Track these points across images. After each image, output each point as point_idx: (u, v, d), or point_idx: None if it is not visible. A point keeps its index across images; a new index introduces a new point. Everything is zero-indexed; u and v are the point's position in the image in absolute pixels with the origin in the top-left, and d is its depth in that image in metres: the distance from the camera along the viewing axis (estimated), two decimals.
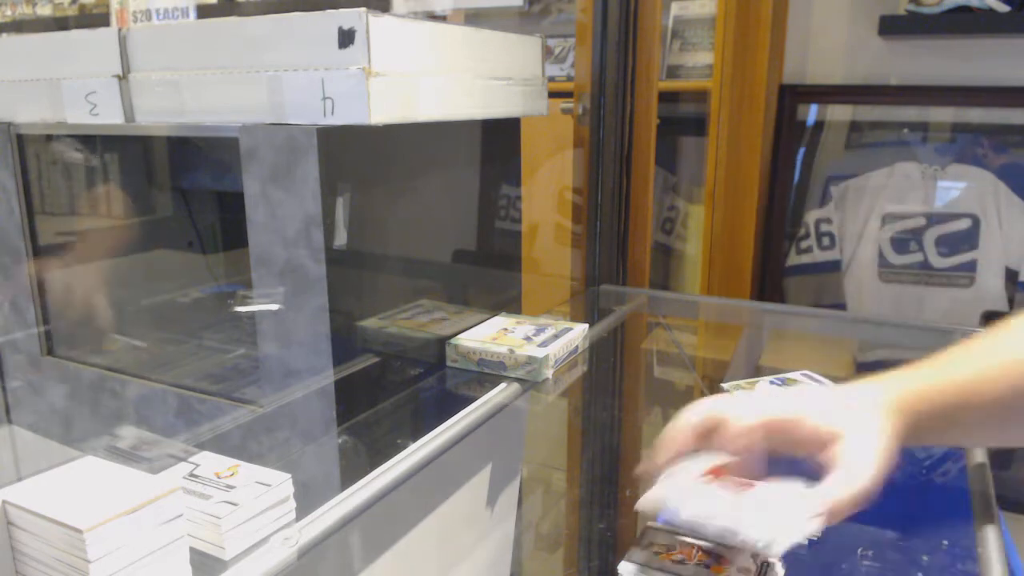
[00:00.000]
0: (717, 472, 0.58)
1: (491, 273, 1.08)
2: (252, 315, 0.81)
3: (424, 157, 0.89)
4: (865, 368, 1.18)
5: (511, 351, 0.88)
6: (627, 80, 1.33)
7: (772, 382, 0.99)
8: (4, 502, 0.49)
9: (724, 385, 1.00)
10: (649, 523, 0.71)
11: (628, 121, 1.35)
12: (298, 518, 0.59)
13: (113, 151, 1.11)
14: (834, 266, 1.64)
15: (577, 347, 0.97)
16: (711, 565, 0.65)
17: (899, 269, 1.60)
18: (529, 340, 0.92)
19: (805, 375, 1.01)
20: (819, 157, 1.69)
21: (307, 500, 0.60)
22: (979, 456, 0.79)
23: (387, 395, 0.86)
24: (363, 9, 0.71)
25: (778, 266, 1.70)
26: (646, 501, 0.57)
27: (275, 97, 0.76)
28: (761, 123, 1.54)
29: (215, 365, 1.02)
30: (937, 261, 1.57)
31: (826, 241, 1.65)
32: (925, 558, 0.75)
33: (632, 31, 1.31)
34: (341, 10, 0.72)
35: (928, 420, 0.58)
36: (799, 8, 1.66)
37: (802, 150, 1.70)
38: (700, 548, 0.67)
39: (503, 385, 0.86)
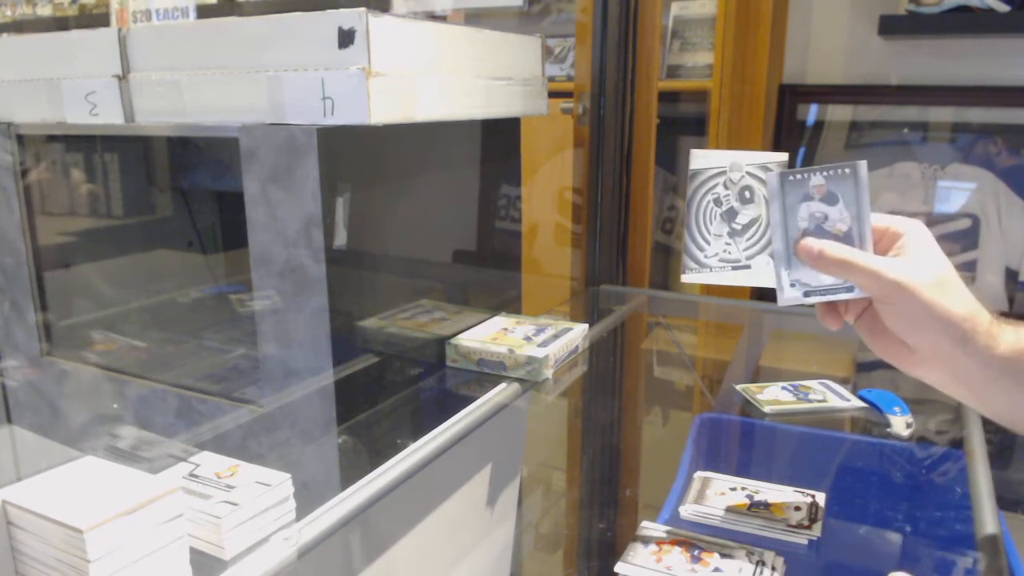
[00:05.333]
0: None
1: (491, 273, 1.08)
2: (252, 315, 0.81)
3: (424, 157, 0.90)
4: (865, 368, 1.19)
5: (511, 351, 0.88)
6: (627, 80, 1.33)
7: (784, 388, 0.99)
8: (4, 502, 0.49)
9: (737, 387, 1.00)
10: (645, 523, 0.71)
11: (628, 121, 1.35)
12: (298, 518, 0.59)
13: (113, 151, 1.11)
14: None
15: (577, 347, 0.97)
16: (704, 562, 0.65)
17: None
18: (529, 340, 0.92)
19: (822, 383, 1.01)
20: (819, 157, 1.69)
21: (307, 500, 0.60)
22: (979, 457, 0.79)
23: (387, 395, 0.86)
24: (363, 9, 0.71)
25: None
26: None
27: (275, 97, 0.76)
28: (761, 123, 1.54)
29: (215, 365, 1.02)
30: None
31: None
32: (925, 558, 0.75)
33: (632, 31, 1.31)
34: (341, 10, 0.72)
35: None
36: (799, 8, 1.66)
37: (802, 150, 1.70)
38: (695, 546, 0.67)
39: (503, 385, 0.86)
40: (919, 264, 0.57)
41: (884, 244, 0.60)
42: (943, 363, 0.58)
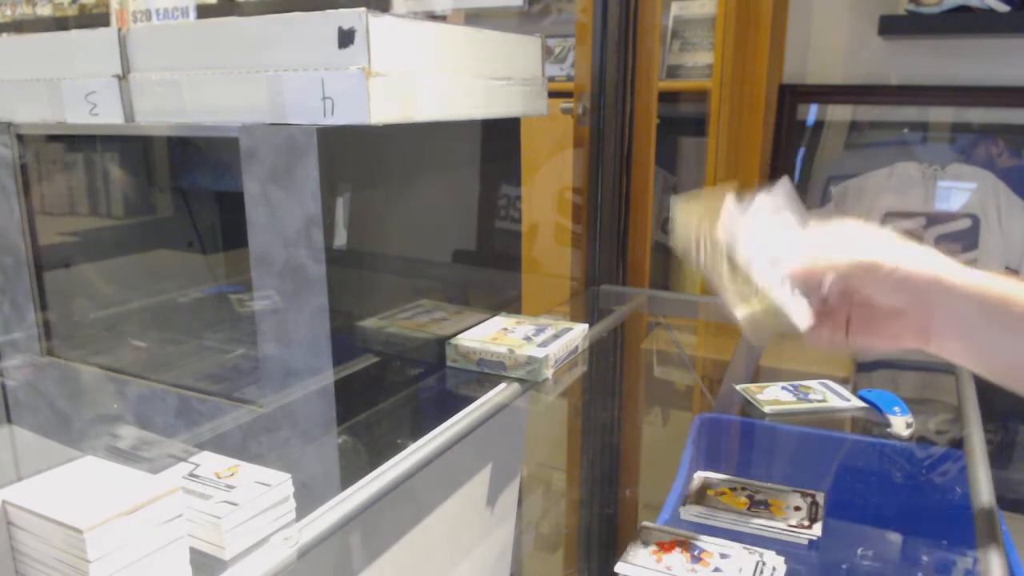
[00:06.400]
0: None
1: (491, 273, 1.08)
2: (252, 315, 0.81)
3: (424, 157, 0.90)
4: (865, 368, 1.19)
5: (511, 351, 0.88)
6: (627, 80, 1.33)
7: (784, 388, 0.99)
8: (4, 502, 0.49)
9: (737, 387, 1.00)
10: (645, 523, 0.71)
11: (628, 121, 1.35)
12: (298, 518, 0.59)
13: (113, 151, 1.11)
14: None
15: (577, 347, 0.97)
16: (703, 561, 0.65)
17: None
18: (529, 340, 0.92)
19: (822, 383, 1.01)
20: (819, 157, 1.69)
21: (307, 500, 0.60)
22: (979, 456, 0.79)
23: (387, 395, 0.86)
24: (363, 9, 0.71)
25: None
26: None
27: (275, 97, 0.76)
28: (761, 123, 1.54)
29: (215, 365, 1.02)
30: None
31: None
32: (925, 558, 0.75)
33: (632, 31, 1.31)
34: (341, 10, 0.72)
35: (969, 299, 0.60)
36: (799, 8, 1.66)
37: (802, 150, 1.70)
38: (695, 546, 0.67)
39: (503, 385, 0.86)
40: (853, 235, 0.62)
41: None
42: (939, 315, 0.61)
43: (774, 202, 0.68)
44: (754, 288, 0.66)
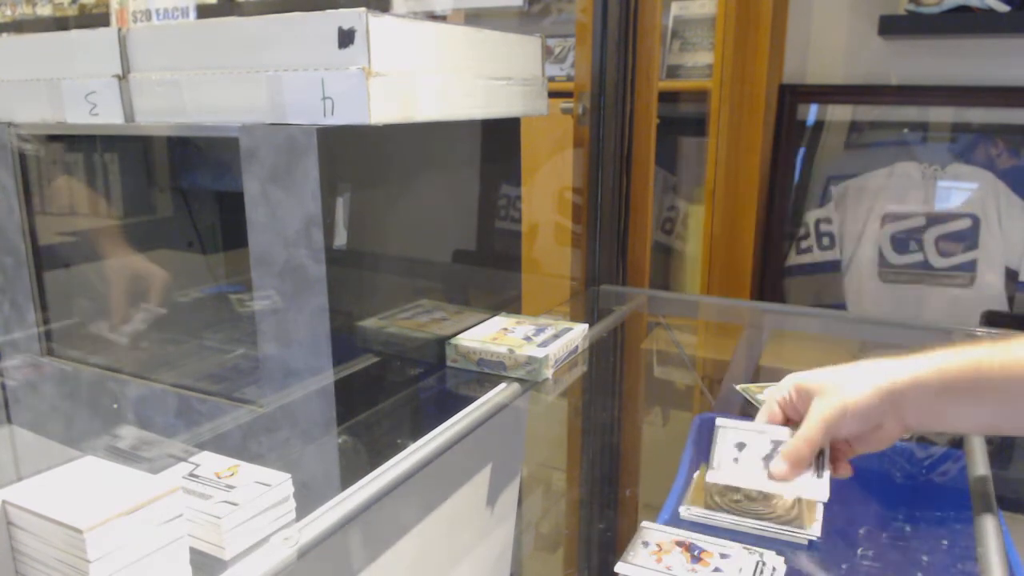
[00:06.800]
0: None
1: (491, 273, 1.08)
2: (252, 315, 0.81)
3: (424, 157, 0.90)
4: None
5: (511, 351, 0.88)
6: (627, 80, 1.33)
7: None
8: (4, 502, 0.49)
9: (737, 387, 1.00)
10: (645, 523, 0.71)
11: (628, 121, 1.35)
12: (298, 518, 0.59)
13: (113, 151, 1.11)
14: (834, 266, 1.64)
15: (577, 347, 0.97)
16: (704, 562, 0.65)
17: (899, 269, 1.60)
18: (529, 340, 0.92)
19: None
20: (819, 157, 1.69)
21: (307, 500, 0.60)
22: (979, 457, 0.79)
23: (387, 395, 0.86)
24: (363, 9, 0.71)
25: (778, 266, 1.70)
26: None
27: (275, 97, 0.76)
28: (761, 123, 1.54)
29: (215, 365, 1.02)
30: (937, 261, 1.57)
31: (826, 241, 1.65)
32: (925, 558, 0.75)
33: (632, 31, 1.31)
34: (341, 10, 0.72)
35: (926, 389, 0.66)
36: (799, 8, 1.66)
37: (802, 150, 1.70)
38: (695, 546, 0.67)
39: (503, 385, 0.86)
40: (820, 397, 0.68)
41: (803, 403, 0.70)
42: (909, 413, 0.67)
43: (727, 428, 0.75)
44: (779, 498, 0.72)
